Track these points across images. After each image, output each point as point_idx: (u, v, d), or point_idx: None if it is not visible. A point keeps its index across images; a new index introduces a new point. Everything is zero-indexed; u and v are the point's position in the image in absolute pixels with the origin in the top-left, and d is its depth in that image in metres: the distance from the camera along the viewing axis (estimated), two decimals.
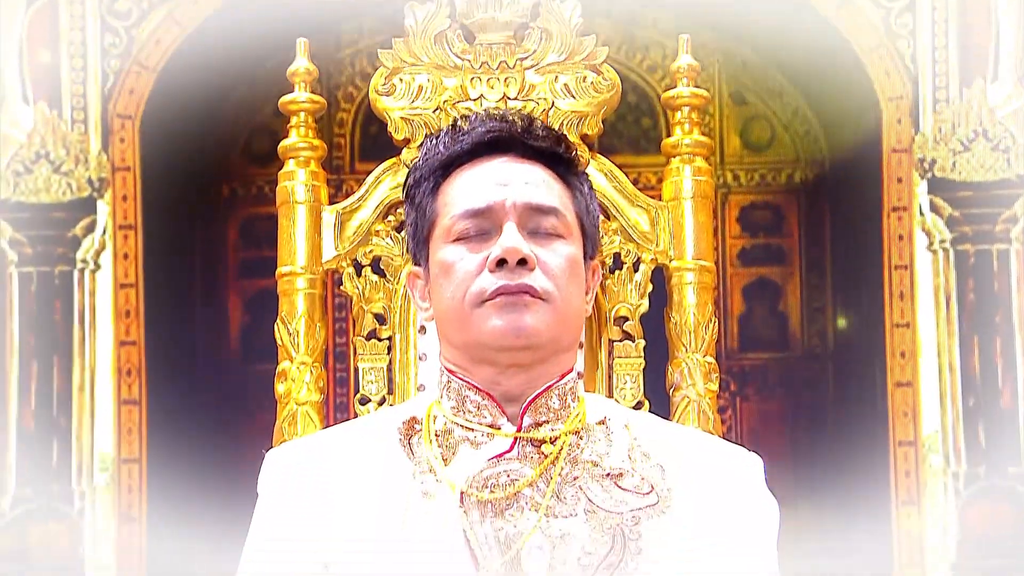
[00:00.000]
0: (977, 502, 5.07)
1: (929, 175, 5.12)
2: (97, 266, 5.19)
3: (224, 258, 5.45)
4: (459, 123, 1.93)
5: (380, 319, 2.33)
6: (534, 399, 1.85)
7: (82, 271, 5.19)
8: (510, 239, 1.80)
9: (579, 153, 1.96)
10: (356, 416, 2.23)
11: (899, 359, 5.17)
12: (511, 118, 1.92)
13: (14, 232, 5.12)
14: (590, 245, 1.93)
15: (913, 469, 5.14)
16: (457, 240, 1.85)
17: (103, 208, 5.18)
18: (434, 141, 1.92)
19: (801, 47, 5.26)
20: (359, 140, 5.36)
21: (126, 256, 5.20)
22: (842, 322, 5.54)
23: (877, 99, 5.19)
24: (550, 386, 1.86)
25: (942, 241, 5.14)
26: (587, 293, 1.92)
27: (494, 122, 1.90)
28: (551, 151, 1.89)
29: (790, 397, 5.48)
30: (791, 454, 5.38)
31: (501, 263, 1.79)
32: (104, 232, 5.19)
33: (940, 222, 5.13)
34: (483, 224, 1.84)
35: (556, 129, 1.94)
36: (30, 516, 5.07)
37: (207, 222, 5.43)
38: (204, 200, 5.41)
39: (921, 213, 5.15)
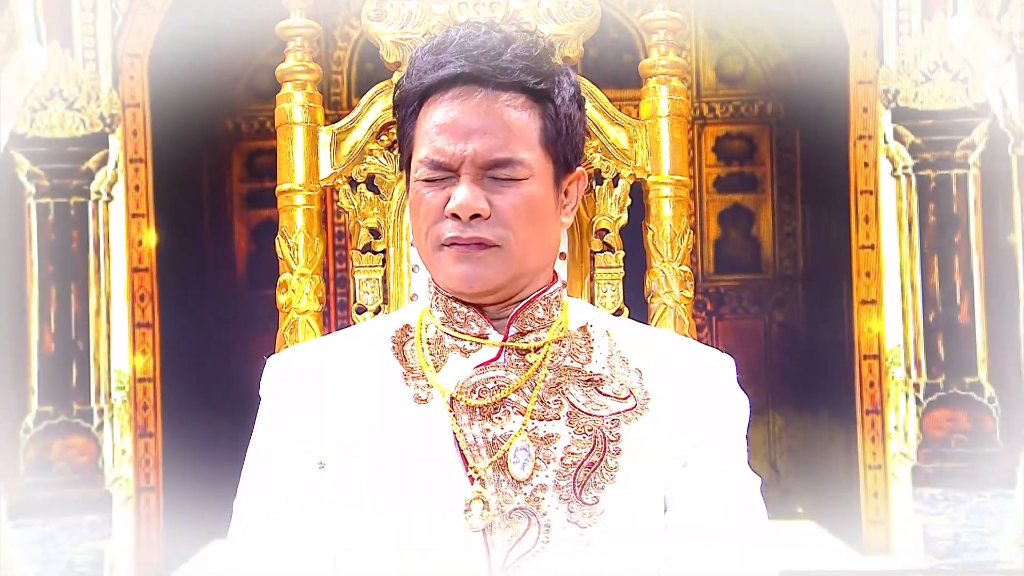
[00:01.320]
0: (936, 410, 5.11)
1: (893, 105, 5.12)
2: (110, 197, 5.19)
3: (230, 189, 5.44)
4: (439, 41, 1.87)
5: (375, 233, 2.31)
6: (520, 310, 1.86)
7: (96, 202, 5.19)
8: (462, 194, 1.80)
9: (551, 72, 1.88)
10: (354, 324, 2.20)
11: (864, 278, 5.19)
12: (485, 42, 1.85)
13: (31, 166, 5.11)
14: (566, 159, 1.90)
15: (877, 380, 5.17)
16: (423, 180, 1.84)
17: (115, 143, 5.17)
18: (419, 55, 1.89)
19: None
20: (355, 77, 5.35)
21: (137, 188, 5.20)
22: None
23: (844, 33, 5.17)
24: (535, 296, 1.87)
25: (905, 167, 5.14)
26: (566, 205, 1.92)
27: (466, 49, 1.84)
28: (518, 82, 1.84)
29: (763, 316, 5.48)
30: (764, 369, 5.41)
31: (455, 216, 1.80)
32: (116, 165, 5.18)
33: (903, 149, 5.14)
34: (444, 172, 1.82)
35: (533, 50, 1.87)
36: (53, 431, 5.11)
37: (213, 155, 5.42)
38: (210, 134, 5.40)
39: (885, 141, 5.15)
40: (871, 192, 5.19)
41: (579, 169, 1.91)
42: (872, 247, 5.19)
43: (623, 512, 1.77)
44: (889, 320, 5.17)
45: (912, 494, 5.10)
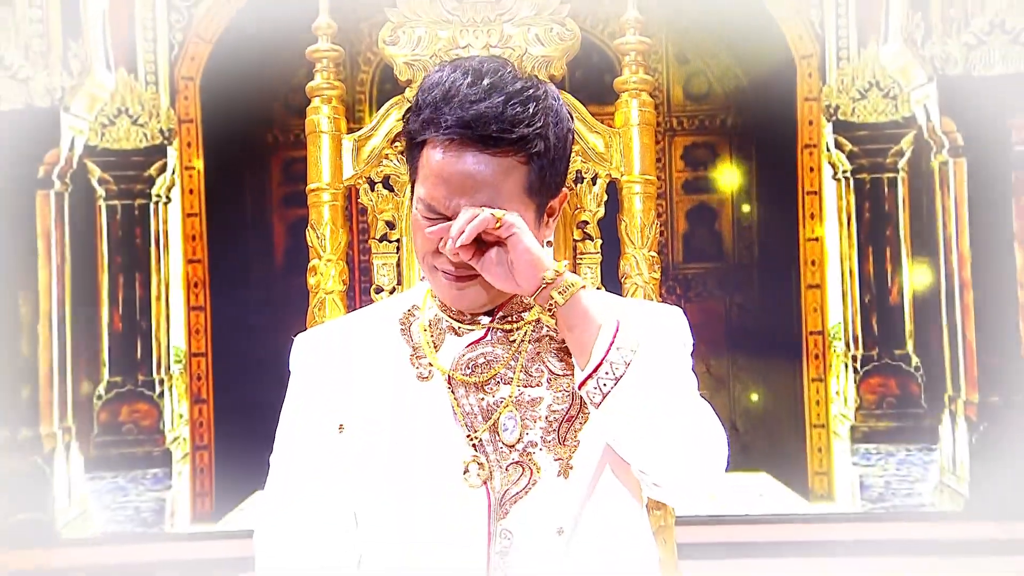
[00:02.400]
0: (870, 377, 5.11)
1: (834, 119, 5.11)
2: (168, 199, 5.18)
3: (269, 192, 5.41)
4: (444, 96, 1.76)
5: (390, 225, 2.33)
6: (508, 300, 1.85)
7: (156, 204, 5.17)
8: (451, 246, 1.73)
9: (541, 130, 1.77)
10: (373, 302, 2.20)
11: (810, 266, 5.18)
12: (483, 113, 1.73)
13: (102, 172, 5.10)
14: (551, 193, 1.82)
15: (821, 352, 5.16)
16: (422, 211, 1.79)
17: (172, 153, 5.15)
18: (422, 102, 1.79)
19: (731, 16, 5.20)
20: (376, 95, 5.31)
21: (191, 191, 5.19)
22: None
23: (792, 58, 5.16)
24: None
25: (844, 171, 5.13)
26: (549, 221, 1.85)
27: (463, 115, 1.73)
28: (510, 145, 1.74)
29: (724, 299, 5.43)
30: (727, 344, 5.37)
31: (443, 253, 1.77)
32: (173, 172, 5.17)
33: (843, 156, 5.13)
34: (435, 213, 1.77)
35: (528, 106, 1.76)
36: (121, 399, 5.11)
37: (255, 163, 5.39)
38: (252, 145, 5.36)
39: (827, 149, 5.14)
40: (816, 193, 5.19)
41: (564, 191, 1.87)
42: (817, 240, 5.18)
43: (596, 443, 1.77)
44: (831, 301, 5.16)
45: (850, 449, 5.10)
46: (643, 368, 1.70)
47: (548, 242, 2.01)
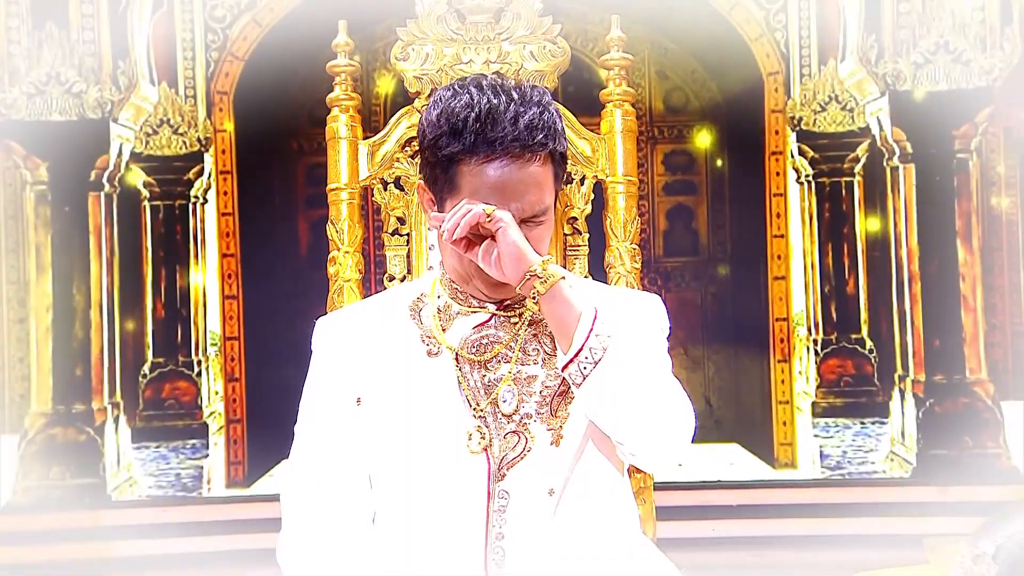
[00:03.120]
0: (829, 359, 5.11)
1: (797, 128, 5.10)
2: (205, 200, 5.18)
3: (295, 193, 5.39)
4: (488, 113, 1.77)
5: (401, 220, 2.32)
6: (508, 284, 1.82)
7: (195, 204, 5.17)
8: None
9: (561, 131, 1.84)
10: (385, 289, 2.21)
11: (776, 260, 5.17)
12: (530, 123, 1.77)
13: (146, 176, 5.11)
14: (560, 183, 1.87)
15: (786, 337, 5.16)
16: None
17: (208, 159, 5.15)
18: (461, 118, 1.78)
19: (706, 37, 5.22)
20: (389, 106, 5.29)
21: (225, 193, 5.19)
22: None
23: (760, 74, 5.15)
24: None
25: (807, 176, 5.13)
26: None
27: (515, 132, 1.75)
28: (544, 151, 1.78)
29: (700, 289, 5.41)
30: (702, 329, 5.34)
31: None
32: (209, 176, 5.16)
33: (805, 162, 5.12)
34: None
35: (548, 116, 1.81)
36: (164, 377, 5.11)
37: (282, 168, 5.37)
38: (280, 152, 5.35)
39: (792, 156, 5.12)
40: (781, 195, 5.17)
41: (561, 189, 1.92)
42: (782, 236, 5.17)
43: (584, 416, 1.78)
44: (795, 292, 5.15)
45: (811, 422, 5.10)
46: (619, 352, 1.70)
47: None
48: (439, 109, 1.80)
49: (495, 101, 1.78)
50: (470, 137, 1.76)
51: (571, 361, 1.71)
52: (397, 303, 1.93)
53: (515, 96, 1.79)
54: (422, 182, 1.88)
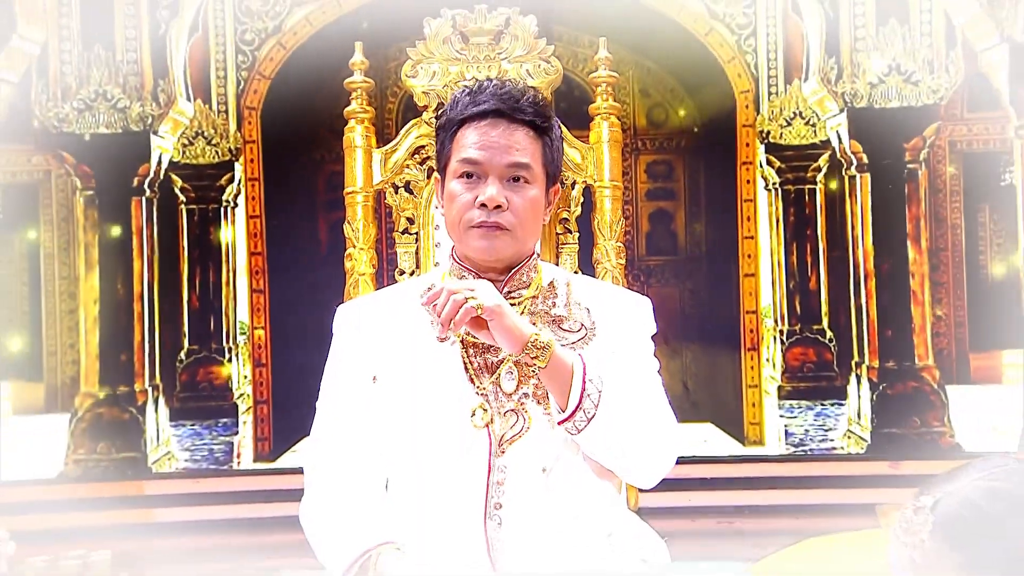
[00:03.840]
0: (794, 347, 5.11)
1: (765, 141, 5.10)
2: (235, 204, 5.18)
3: (315, 198, 5.38)
4: (477, 88, 1.88)
5: (410, 220, 2.35)
6: (512, 276, 1.86)
7: (226, 208, 5.18)
8: (492, 190, 1.80)
9: (550, 116, 1.90)
10: (396, 283, 2.25)
11: (746, 259, 5.17)
12: (510, 92, 1.86)
13: (183, 183, 5.11)
14: (553, 178, 1.90)
15: (755, 328, 5.16)
16: (460, 177, 1.83)
17: (238, 167, 5.15)
18: (460, 97, 1.88)
19: (685, 59, 5.21)
20: (401, 120, 5.20)
21: (253, 198, 5.19)
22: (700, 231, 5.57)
23: (733, 93, 5.15)
24: (521, 265, 1.87)
25: (774, 183, 5.13)
26: (548, 207, 1.90)
27: (498, 97, 1.85)
28: (530, 120, 1.85)
29: (679, 285, 5.39)
30: (680, 321, 5.30)
31: (483, 205, 1.80)
32: (239, 183, 5.17)
33: (772, 171, 5.12)
34: (476, 171, 1.82)
35: (539, 100, 1.90)
36: (198, 363, 5.12)
37: (304, 175, 5.35)
38: (302, 161, 5.34)
39: (760, 166, 5.13)
40: (751, 200, 5.18)
41: (557, 186, 1.93)
42: (752, 237, 5.17)
43: None
44: (763, 287, 5.15)
45: (777, 404, 5.09)
46: (609, 406, 1.70)
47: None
48: (452, 98, 1.90)
49: (485, 81, 1.91)
50: (463, 102, 1.85)
51: (567, 419, 1.71)
52: (409, 293, 1.93)
53: (506, 81, 1.89)
54: (437, 175, 1.93)
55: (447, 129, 1.88)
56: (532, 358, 1.70)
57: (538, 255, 1.95)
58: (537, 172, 1.85)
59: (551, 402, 1.74)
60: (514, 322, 1.71)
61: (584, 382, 1.70)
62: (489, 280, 1.84)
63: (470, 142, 1.83)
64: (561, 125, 2.25)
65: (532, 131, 1.85)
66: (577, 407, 1.69)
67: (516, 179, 1.83)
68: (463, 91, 1.90)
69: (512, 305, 1.82)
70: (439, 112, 1.94)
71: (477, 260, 1.86)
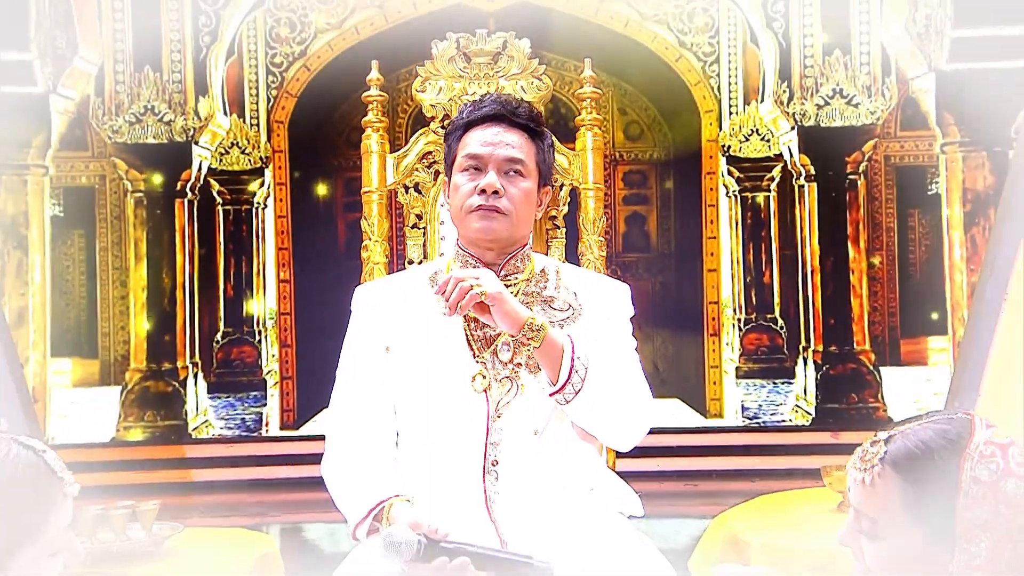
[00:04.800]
0: (750, 333, 5.13)
1: (727, 154, 5.10)
2: (265, 206, 5.18)
3: (335, 200, 5.35)
4: (479, 99, 1.90)
5: (419, 217, 2.32)
6: (508, 260, 1.84)
7: (257, 209, 5.18)
8: (491, 178, 1.79)
9: (543, 124, 1.90)
10: (405, 269, 2.22)
11: (709, 256, 5.17)
12: (508, 100, 1.88)
13: (220, 187, 5.11)
14: (544, 178, 1.88)
15: (717, 316, 5.16)
16: (463, 171, 1.83)
17: (268, 174, 5.15)
18: (465, 107, 1.90)
19: (657, 82, 5.22)
20: (410, 129, 5.22)
21: (280, 200, 5.19)
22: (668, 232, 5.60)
23: (699, 112, 5.16)
24: (516, 253, 1.85)
25: (734, 191, 5.14)
26: (539, 206, 1.88)
27: (498, 103, 1.86)
28: (524, 124, 1.85)
29: (652, 279, 5.41)
30: (652, 311, 5.29)
31: (483, 191, 1.79)
32: (268, 186, 5.16)
33: (732, 181, 5.12)
34: (478, 164, 1.81)
35: (533, 110, 1.91)
36: (232, 343, 5.13)
37: (325, 181, 5.35)
38: (323, 168, 5.33)
39: (722, 176, 5.13)
40: (714, 205, 5.18)
41: (548, 188, 1.91)
42: (714, 238, 5.17)
43: None
44: (724, 281, 5.16)
45: (735, 383, 5.11)
46: (593, 380, 1.68)
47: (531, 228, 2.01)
48: (459, 109, 1.91)
49: (487, 94, 1.96)
50: (467, 110, 1.87)
51: (557, 391, 1.70)
52: (418, 277, 1.92)
53: (505, 94, 1.93)
54: (444, 178, 1.93)
55: (453, 133, 1.89)
56: (528, 339, 1.68)
57: (531, 246, 1.93)
58: (531, 169, 1.84)
59: (543, 375, 1.73)
60: (513, 307, 1.69)
61: (573, 360, 1.68)
62: (488, 266, 1.83)
63: (474, 141, 1.83)
64: (552, 136, 2.27)
65: (527, 134, 1.85)
66: (567, 381, 1.67)
67: (512, 172, 1.82)
68: (468, 103, 1.92)
69: (508, 287, 1.80)
70: (446, 123, 1.95)
71: (476, 240, 1.84)
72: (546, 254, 2.26)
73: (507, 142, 1.83)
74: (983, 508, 1.16)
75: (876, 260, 5.02)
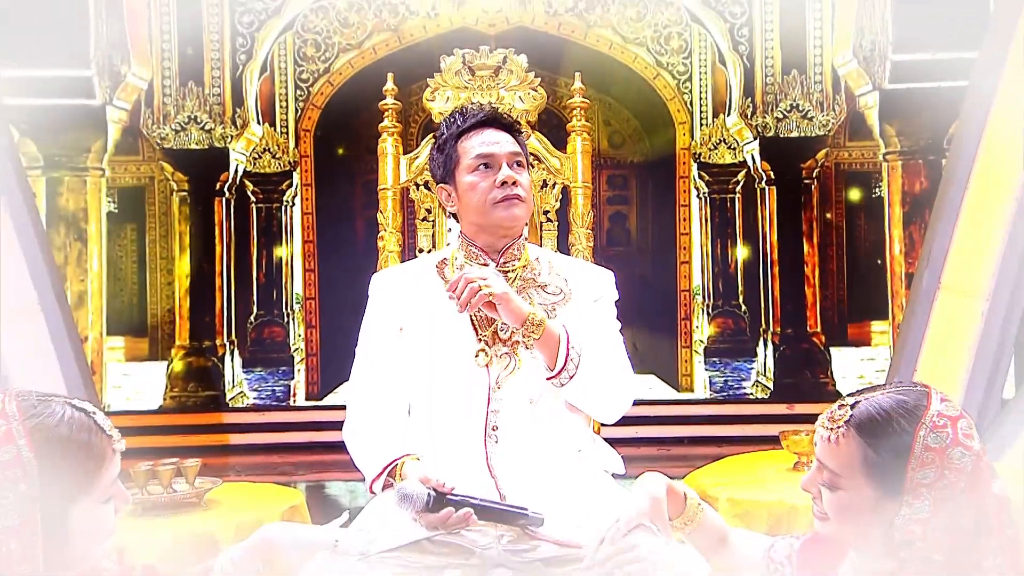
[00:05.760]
0: (717, 318, 5.12)
1: (698, 161, 5.09)
2: (293, 204, 5.15)
3: (354, 200, 5.34)
4: (462, 111, 1.87)
5: (428, 211, 2.34)
6: (507, 249, 1.82)
7: (286, 206, 5.15)
8: (506, 172, 1.77)
9: (521, 125, 1.92)
10: (416, 257, 2.22)
11: (682, 250, 5.16)
12: (493, 108, 1.90)
13: (253, 187, 5.08)
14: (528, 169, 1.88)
15: (688, 303, 5.16)
16: (474, 171, 1.79)
17: (296, 176, 5.13)
18: (452, 121, 1.86)
19: (637, 97, 5.21)
20: (422, 134, 5.15)
21: (306, 199, 5.17)
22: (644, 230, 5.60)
23: (674, 123, 5.15)
24: (514, 242, 1.83)
25: (704, 193, 5.13)
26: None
27: (485, 111, 1.86)
28: (511, 127, 1.85)
29: (631, 269, 5.37)
30: (632, 297, 5.36)
31: (503, 184, 1.77)
32: (296, 187, 5.14)
33: (703, 184, 5.11)
34: (488, 162, 1.79)
35: (512, 116, 1.94)
36: (264, 324, 5.11)
37: (346, 182, 5.34)
38: (344, 172, 5.32)
39: (694, 180, 5.12)
40: (687, 206, 5.17)
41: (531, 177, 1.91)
42: (687, 234, 5.16)
43: None
44: (695, 272, 5.15)
45: (704, 361, 5.11)
46: (585, 367, 1.67)
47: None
48: (443, 125, 1.87)
49: (469, 105, 1.99)
50: (459, 120, 1.83)
51: (554, 376, 1.68)
52: (428, 265, 1.90)
53: (484, 104, 1.95)
54: (438, 185, 1.87)
55: (448, 144, 1.85)
56: (529, 332, 1.67)
57: (526, 238, 1.91)
58: (524, 161, 1.84)
59: (540, 360, 1.71)
60: (517, 305, 1.67)
61: (568, 349, 1.66)
62: (488, 255, 1.82)
63: (477, 143, 1.80)
64: (545, 141, 2.25)
65: (511, 134, 1.84)
66: (562, 368, 1.66)
67: (516, 164, 1.81)
68: (451, 118, 1.87)
69: (507, 273, 1.79)
70: (440, 133, 1.89)
71: (503, 228, 1.80)
72: (540, 245, 2.25)
73: (505, 140, 1.82)
74: (930, 471, 1.17)
75: (827, 255, 5.01)
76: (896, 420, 1.20)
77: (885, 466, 1.19)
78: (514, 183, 1.78)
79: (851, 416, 1.22)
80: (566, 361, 1.66)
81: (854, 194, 5.07)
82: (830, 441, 1.23)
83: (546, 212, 2.34)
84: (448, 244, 2.30)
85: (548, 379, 1.69)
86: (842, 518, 1.23)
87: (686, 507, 1.40)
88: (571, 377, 1.67)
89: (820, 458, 1.26)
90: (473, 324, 1.78)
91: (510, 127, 1.86)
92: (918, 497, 1.17)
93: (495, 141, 1.81)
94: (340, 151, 5.32)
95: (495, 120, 1.84)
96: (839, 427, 1.23)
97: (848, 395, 1.27)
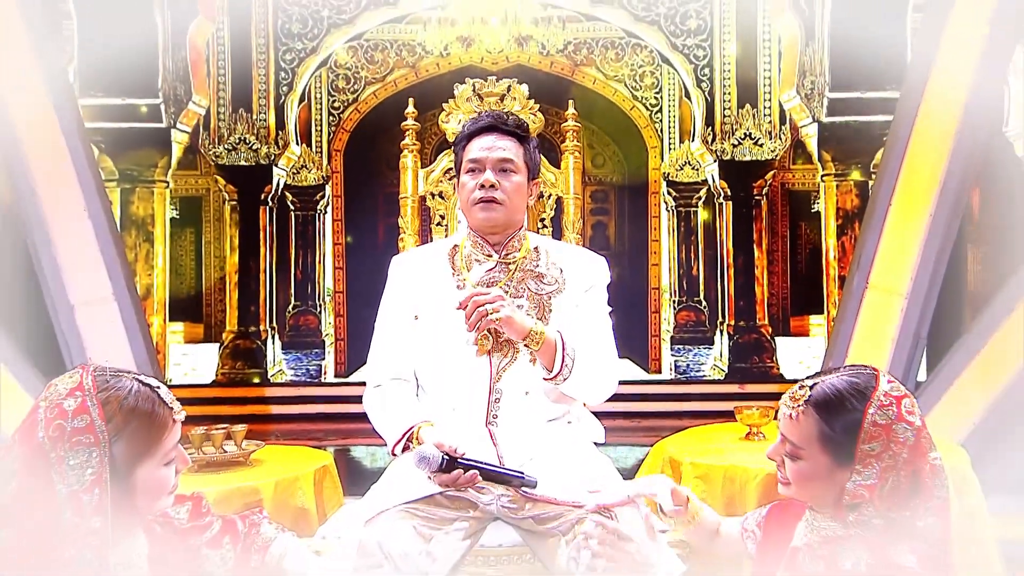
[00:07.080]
0: (681, 311, 5.10)
1: (667, 179, 5.09)
2: (326, 212, 5.14)
3: (377, 209, 5.32)
4: (478, 116, 1.80)
5: (442, 217, 2.35)
6: (507, 242, 1.75)
7: (319, 214, 5.14)
8: (486, 176, 1.70)
9: (528, 130, 1.80)
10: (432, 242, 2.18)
11: (653, 254, 5.17)
12: (500, 114, 1.78)
13: (292, 198, 5.06)
14: (533, 173, 1.78)
15: (657, 298, 5.16)
16: (467, 172, 1.73)
17: (328, 188, 5.12)
18: (467, 123, 1.80)
19: (616, 124, 5.20)
20: (436, 153, 5.19)
21: (337, 208, 5.16)
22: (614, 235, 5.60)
23: (647, 147, 5.16)
24: (513, 235, 1.76)
25: (671, 207, 5.11)
26: (531, 195, 1.78)
27: (491, 117, 1.77)
28: (514, 131, 1.75)
29: (610, 271, 5.42)
30: (611, 294, 5.38)
31: (483, 186, 1.71)
32: (328, 198, 5.13)
33: (671, 199, 5.10)
34: (478, 167, 1.72)
35: (520, 120, 1.80)
36: (300, 313, 5.08)
37: (369, 194, 5.32)
38: (369, 185, 5.30)
39: (663, 195, 5.11)
40: (657, 217, 5.17)
41: (536, 180, 1.84)
42: (657, 240, 5.17)
43: None
44: (663, 273, 5.15)
45: (671, 348, 5.09)
46: (578, 368, 1.63)
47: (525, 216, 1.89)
48: (463, 126, 1.81)
49: (484, 110, 1.91)
50: (468, 125, 1.77)
51: (552, 378, 1.64)
52: (441, 250, 1.81)
53: (497, 110, 1.88)
54: (454, 179, 1.88)
55: (459, 144, 1.80)
56: (529, 344, 1.62)
57: (526, 227, 1.82)
58: (520, 166, 1.74)
59: (538, 363, 1.65)
60: (519, 324, 1.60)
61: (564, 355, 1.62)
62: (489, 244, 1.75)
63: (474, 148, 1.74)
64: (544, 159, 2.21)
65: (515, 139, 1.74)
66: (559, 372, 1.62)
67: (505, 170, 1.73)
68: (469, 120, 1.82)
69: (508, 264, 1.72)
70: (456, 136, 1.86)
71: (480, 227, 1.74)
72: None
73: (500, 147, 1.74)
74: (877, 443, 1.16)
75: (773, 259, 5.02)
76: (848, 399, 1.19)
77: (838, 439, 1.18)
78: (492, 187, 1.70)
79: (810, 396, 1.22)
80: (562, 366, 1.62)
81: (797, 209, 5.10)
82: (791, 418, 1.23)
83: (542, 219, 2.32)
84: (457, 231, 2.28)
85: (546, 379, 1.64)
86: (802, 484, 1.22)
87: (689, 507, 1.38)
88: (566, 379, 1.63)
89: (783, 432, 1.25)
90: None
91: (513, 132, 1.77)
92: (867, 466, 1.16)
93: (488, 147, 1.73)
94: (365, 168, 5.29)
95: (497, 126, 1.76)
96: (799, 405, 1.22)
97: (807, 377, 1.26)
